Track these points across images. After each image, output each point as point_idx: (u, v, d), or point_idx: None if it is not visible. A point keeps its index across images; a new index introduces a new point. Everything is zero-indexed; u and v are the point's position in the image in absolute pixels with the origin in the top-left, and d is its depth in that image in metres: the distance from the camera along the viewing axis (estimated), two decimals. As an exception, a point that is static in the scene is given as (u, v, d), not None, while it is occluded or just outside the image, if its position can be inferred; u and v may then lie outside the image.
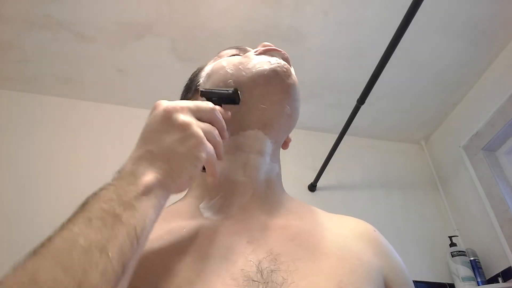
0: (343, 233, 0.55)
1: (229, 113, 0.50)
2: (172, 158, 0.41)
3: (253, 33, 1.68)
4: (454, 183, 1.98)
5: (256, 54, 0.58)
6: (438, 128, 2.17)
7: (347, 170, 2.04)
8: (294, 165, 1.94)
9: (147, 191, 0.39)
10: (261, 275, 0.43)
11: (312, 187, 1.90)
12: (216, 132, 0.45)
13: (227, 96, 0.51)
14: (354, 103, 1.45)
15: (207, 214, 0.52)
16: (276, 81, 0.55)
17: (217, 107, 0.48)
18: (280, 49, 0.60)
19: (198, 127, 0.43)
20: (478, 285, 1.62)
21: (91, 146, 1.78)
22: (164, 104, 0.44)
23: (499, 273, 1.62)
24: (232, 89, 0.52)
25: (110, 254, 0.32)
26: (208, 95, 0.51)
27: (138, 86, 1.90)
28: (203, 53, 1.75)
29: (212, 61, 0.66)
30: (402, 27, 1.11)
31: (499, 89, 1.75)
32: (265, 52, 0.58)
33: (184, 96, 0.69)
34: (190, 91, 0.67)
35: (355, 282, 0.45)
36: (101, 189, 0.38)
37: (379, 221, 1.87)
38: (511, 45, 1.74)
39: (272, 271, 0.44)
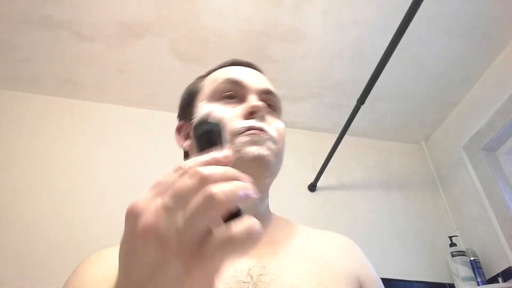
0: (324, 244, 0.63)
1: (229, 154, 0.32)
2: None
3: (253, 33, 1.68)
4: (454, 183, 1.98)
5: (241, 134, 0.59)
6: (438, 128, 2.17)
7: (347, 170, 2.04)
8: (294, 165, 1.94)
9: None
10: (251, 278, 0.49)
11: (312, 187, 1.90)
12: (219, 190, 0.27)
13: (209, 138, 0.36)
14: (354, 103, 1.45)
15: None
16: (254, 169, 0.57)
17: (213, 156, 0.31)
18: (262, 130, 0.60)
19: (179, 235, 0.27)
20: (478, 285, 1.62)
21: (91, 146, 1.78)
22: (137, 213, 0.28)
23: (499, 273, 1.62)
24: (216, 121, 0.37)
25: None
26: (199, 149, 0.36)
27: (138, 86, 1.90)
28: (203, 53, 1.75)
29: (208, 90, 0.66)
30: (402, 27, 1.11)
31: (499, 89, 1.75)
32: (248, 133, 0.59)
33: (181, 115, 0.71)
34: (185, 112, 0.69)
35: (334, 282, 0.52)
36: None
37: (379, 221, 1.89)
38: (511, 45, 1.74)
39: (261, 274, 0.50)
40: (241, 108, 0.62)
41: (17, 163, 1.66)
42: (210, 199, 0.26)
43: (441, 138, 2.15)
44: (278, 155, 0.62)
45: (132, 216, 0.28)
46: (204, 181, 0.27)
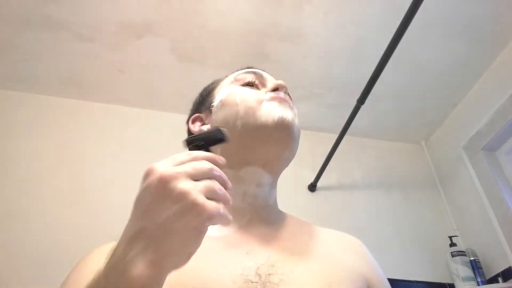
0: (332, 244, 0.62)
1: (224, 159, 0.46)
2: (169, 236, 0.37)
3: (253, 33, 1.68)
4: (454, 183, 1.98)
5: (267, 100, 0.63)
6: (438, 128, 2.17)
7: (347, 170, 2.04)
8: (294, 165, 1.93)
9: None
10: (259, 277, 0.48)
11: (312, 187, 1.90)
12: (218, 185, 0.40)
13: (214, 139, 0.49)
14: (354, 103, 1.45)
15: (207, 232, 0.56)
16: (277, 135, 0.60)
17: (216, 159, 0.44)
18: (286, 99, 0.64)
19: (198, 192, 0.38)
20: (478, 285, 1.62)
21: (91, 146, 1.78)
22: (158, 170, 0.39)
23: (499, 273, 1.62)
24: (215, 129, 0.50)
25: None
26: (195, 143, 0.49)
27: (138, 86, 1.90)
28: (203, 53, 1.75)
29: (228, 79, 0.70)
30: (402, 27, 1.11)
31: (499, 89, 1.75)
32: (274, 99, 0.63)
33: (196, 109, 0.73)
34: (203, 105, 0.71)
35: (342, 283, 0.51)
36: (94, 281, 0.38)
37: (379, 221, 1.89)
38: (511, 45, 1.74)
39: (269, 274, 0.49)
40: (265, 89, 0.66)
41: (17, 163, 1.66)
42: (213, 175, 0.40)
43: (441, 138, 2.15)
44: (298, 133, 0.65)
45: (151, 171, 0.39)
46: (210, 173, 0.40)
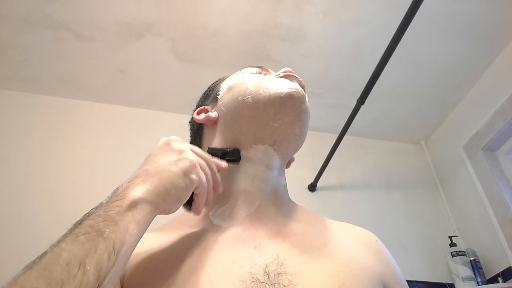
0: (346, 240, 0.58)
1: (226, 164, 0.57)
2: (164, 175, 0.45)
3: (253, 33, 1.68)
4: (454, 183, 1.98)
5: (277, 78, 0.64)
6: (438, 128, 2.17)
7: (347, 170, 2.04)
8: (294, 165, 1.93)
9: (132, 205, 0.41)
10: (268, 277, 0.46)
11: (312, 187, 1.90)
12: (209, 172, 0.51)
13: (228, 154, 0.59)
14: (354, 103, 1.45)
15: (216, 221, 0.56)
16: (290, 104, 0.60)
17: (215, 160, 0.54)
18: (298, 76, 0.65)
19: (194, 155, 0.49)
20: (478, 285, 1.62)
21: (91, 146, 1.78)
22: (167, 137, 0.52)
23: (499, 273, 1.62)
24: (233, 148, 0.60)
25: (87, 267, 0.35)
26: (213, 152, 0.58)
27: (138, 86, 1.90)
28: (203, 53, 1.75)
29: (234, 74, 0.71)
30: (402, 27, 1.11)
31: (499, 89, 1.75)
32: (285, 77, 0.64)
33: (202, 103, 0.73)
34: (209, 98, 0.71)
35: (356, 285, 0.48)
36: (95, 207, 0.42)
37: (379, 221, 1.89)
38: (511, 45, 1.74)
39: (278, 273, 0.47)
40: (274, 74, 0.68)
41: (17, 163, 1.66)
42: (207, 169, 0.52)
43: (441, 138, 2.15)
44: (309, 112, 0.65)
45: (162, 139, 0.52)
46: (209, 166, 0.52)
